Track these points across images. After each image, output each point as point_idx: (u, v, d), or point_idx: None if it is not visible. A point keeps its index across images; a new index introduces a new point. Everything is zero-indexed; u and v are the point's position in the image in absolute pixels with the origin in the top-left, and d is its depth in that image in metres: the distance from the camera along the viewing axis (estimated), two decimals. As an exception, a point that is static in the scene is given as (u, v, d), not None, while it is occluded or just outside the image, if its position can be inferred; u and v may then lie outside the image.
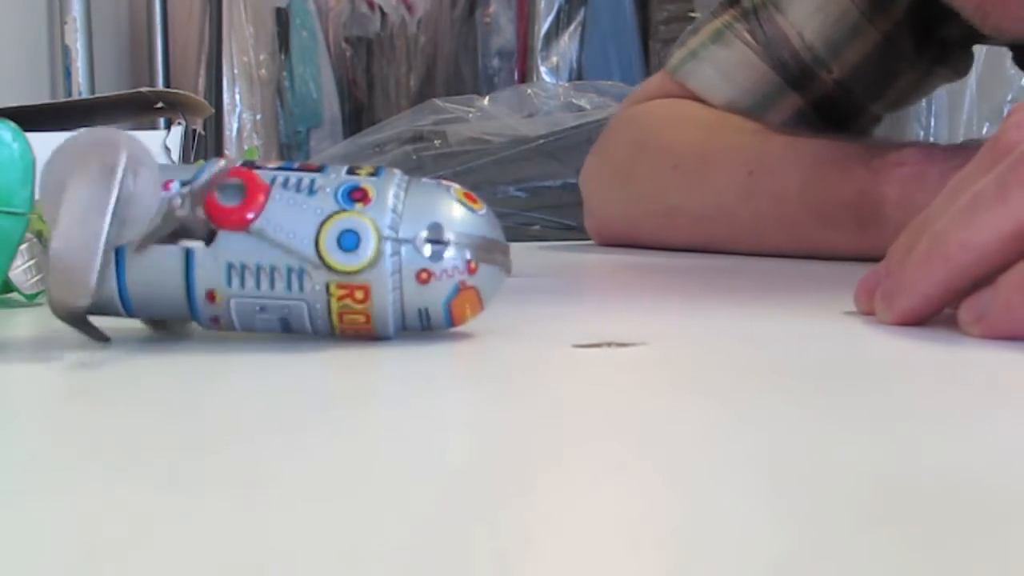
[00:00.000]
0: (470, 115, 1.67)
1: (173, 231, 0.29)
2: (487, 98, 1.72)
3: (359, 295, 0.29)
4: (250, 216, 0.28)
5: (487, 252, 0.30)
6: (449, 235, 0.29)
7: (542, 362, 0.29)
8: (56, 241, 0.28)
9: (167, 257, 0.29)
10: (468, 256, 0.29)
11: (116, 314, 0.30)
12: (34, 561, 0.14)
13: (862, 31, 0.69)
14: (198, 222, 0.29)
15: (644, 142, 0.73)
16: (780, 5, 0.70)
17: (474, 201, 0.30)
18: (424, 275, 0.29)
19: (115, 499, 0.17)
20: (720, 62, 0.72)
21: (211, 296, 0.29)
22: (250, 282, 0.29)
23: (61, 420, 0.23)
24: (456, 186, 0.30)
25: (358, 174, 0.30)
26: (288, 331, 0.30)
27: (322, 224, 0.29)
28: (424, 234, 0.29)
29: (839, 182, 0.58)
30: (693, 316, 0.39)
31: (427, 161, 1.61)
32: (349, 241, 0.28)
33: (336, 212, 0.29)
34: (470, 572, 0.14)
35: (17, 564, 0.14)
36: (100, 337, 0.30)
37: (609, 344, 0.30)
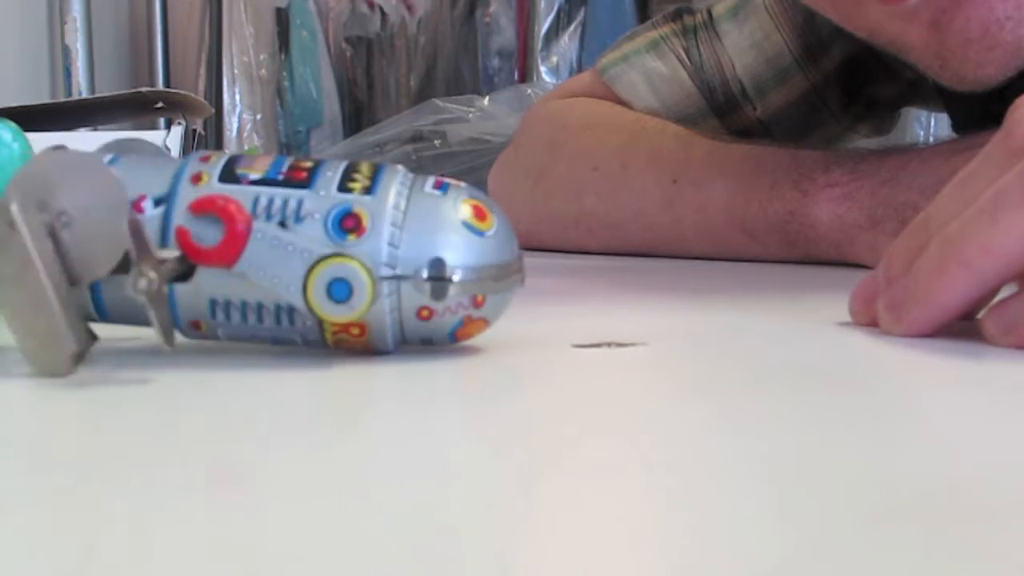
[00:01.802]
0: (470, 115, 1.67)
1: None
2: (487, 98, 1.72)
3: (355, 331, 0.27)
4: (231, 258, 0.26)
5: (496, 281, 0.27)
6: (453, 270, 0.26)
7: (542, 362, 0.29)
8: (7, 318, 0.25)
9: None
10: (474, 290, 0.27)
11: (94, 320, 0.28)
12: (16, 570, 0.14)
13: (791, 77, 0.68)
14: (177, 262, 0.26)
15: (562, 142, 0.71)
16: (720, 31, 0.70)
17: (483, 218, 0.27)
18: (425, 312, 0.27)
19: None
20: (650, 72, 0.71)
21: (196, 325, 0.27)
22: (236, 316, 0.27)
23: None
24: (464, 197, 0.27)
25: (352, 188, 0.27)
26: (280, 344, 0.28)
27: (309, 271, 0.26)
28: (425, 272, 0.26)
29: (767, 201, 0.57)
30: (693, 316, 0.39)
31: (427, 161, 1.61)
32: (340, 291, 0.26)
33: (324, 258, 0.26)
34: (470, 572, 0.14)
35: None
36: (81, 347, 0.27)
37: (609, 344, 0.30)
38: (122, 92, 0.63)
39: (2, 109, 0.55)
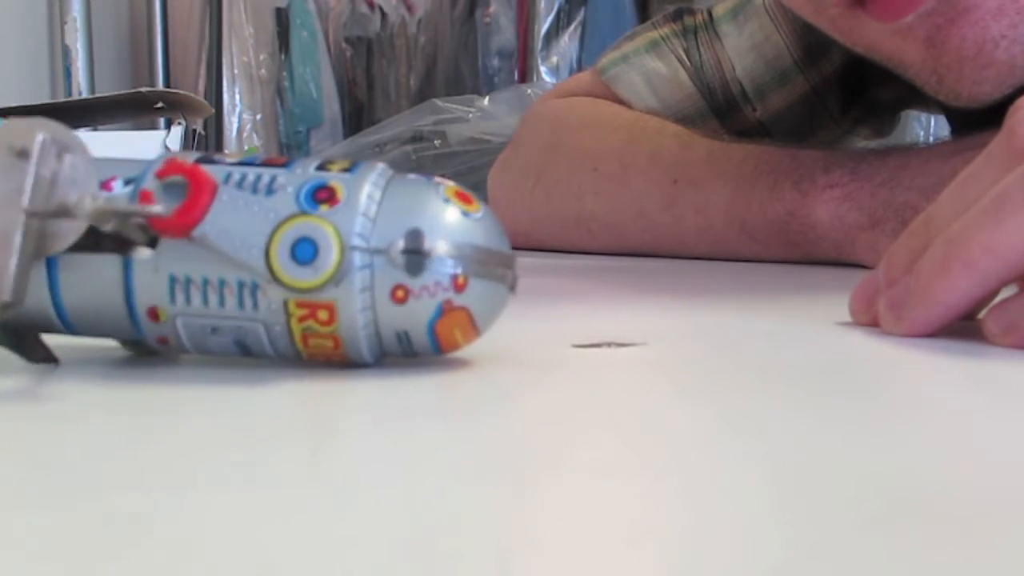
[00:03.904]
0: (470, 115, 1.67)
1: (111, 238, 0.25)
2: (487, 98, 1.72)
3: (323, 315, 0.24)
4: (191, 220, 0.24)
5: (481, 265, 0.25)
6: (432, 243, 0.24)
7: (541, 362, 0.29)
8: None
9: (102, 268, 0.25)
10: (454, 269, 0.24)
11: (58, 332, 0.26)
12: None
13: (791, 79, 0.68)
14: (136, 228, 0.25)
15: (561, 142, 0.71)
16: (720, 32, 0.70)
17: (468, 202, 0.25)
18: (400, 292, 0.24)
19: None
20: (650, 73, 0.71)
21: (154, 314, 0.25)
22: (196, 298, 0.25)
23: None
24: (448, 183, 0.26)
25: (330, 169, 0.25)
26: (248, 355, 0.26)
27: (274, 231, 0.24)
28: (401, 243, 0.24)
29: (767, 201, 0.58)
30: (693, 316, 0.39)
31: (427, 161, 1.62)
32: (305, 252, 0.24)
33: (292, 216, 0.24)
34: (470, 572, 0.14)
35: None
36: (42, 358, 0.26)
37: (609, 344, 0.30)
38: (122, 92, 0.63)
39: (2, 109, 0.55)
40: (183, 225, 0.24)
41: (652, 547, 0.15)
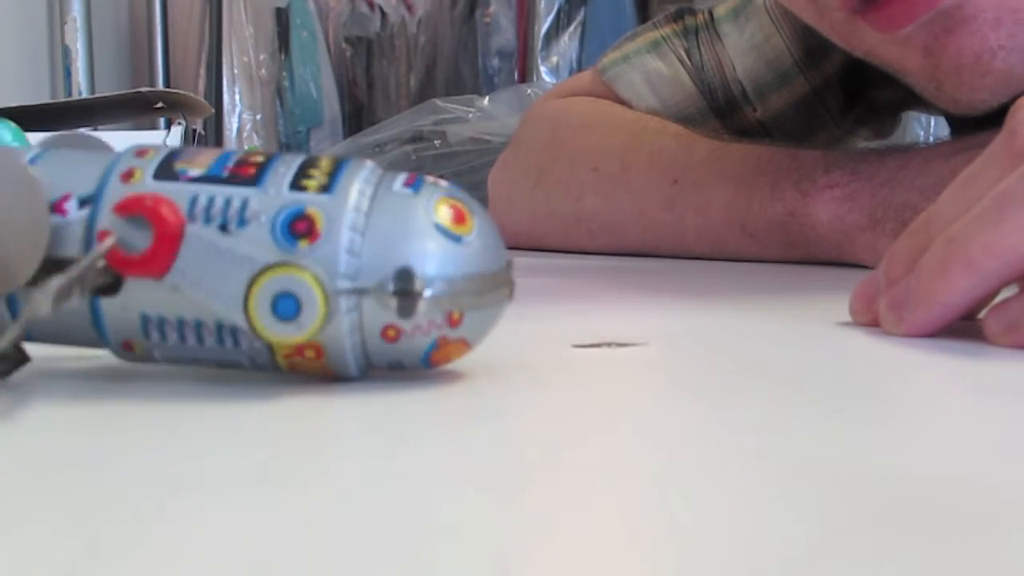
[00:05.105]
0: (470, 115, 1.67)
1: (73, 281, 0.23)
2: (487, 98, 1.72)
3: (310, 354, 0.23)
4: (158, 270, 0.22)
5: (476, 295, 0.23)
6: (423, 282, 0.23)
7: (542, 362, 0.29)
8: None
9: (67, 307, 0.23)
10: (449, 307, 0.23)
11: (29, 339, 0.25)
12: None
13: (792, 79, 0.69)
14: (98, 271, 0.23)
15: (561, 142, 0.71)
16: (720, 32, 0.70)
17: (461, 222, 0.23)
18: (391, 332, 0.23)
19: None
20: (651, 73, 0.71)
21: (129, 346, 0.24)
22: (172, 336, 0.23)
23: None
24: (439, 196, 0.24)
25: (306, 187, 0.23)
26: (227, 368, 0.25)
27: (251, 283, 0.22)
28: (390, 285, 0.23)
29: (768, 201, 0.58)
30: (693, 316, 0.39)
31: (427, 161, 1.62)
32: (287, 308, 0.22)
33: (268, 267, 0.22)
34: (470, 572, 0.14)
35: None
36: (8, 370, 0.24)
37: (609, 344, 0.30)
38: (122, 92, 0.63)
39: (2, 109, 0.55)
40: (152, 273, 0.23)
41: (652, 547, 0.15)
